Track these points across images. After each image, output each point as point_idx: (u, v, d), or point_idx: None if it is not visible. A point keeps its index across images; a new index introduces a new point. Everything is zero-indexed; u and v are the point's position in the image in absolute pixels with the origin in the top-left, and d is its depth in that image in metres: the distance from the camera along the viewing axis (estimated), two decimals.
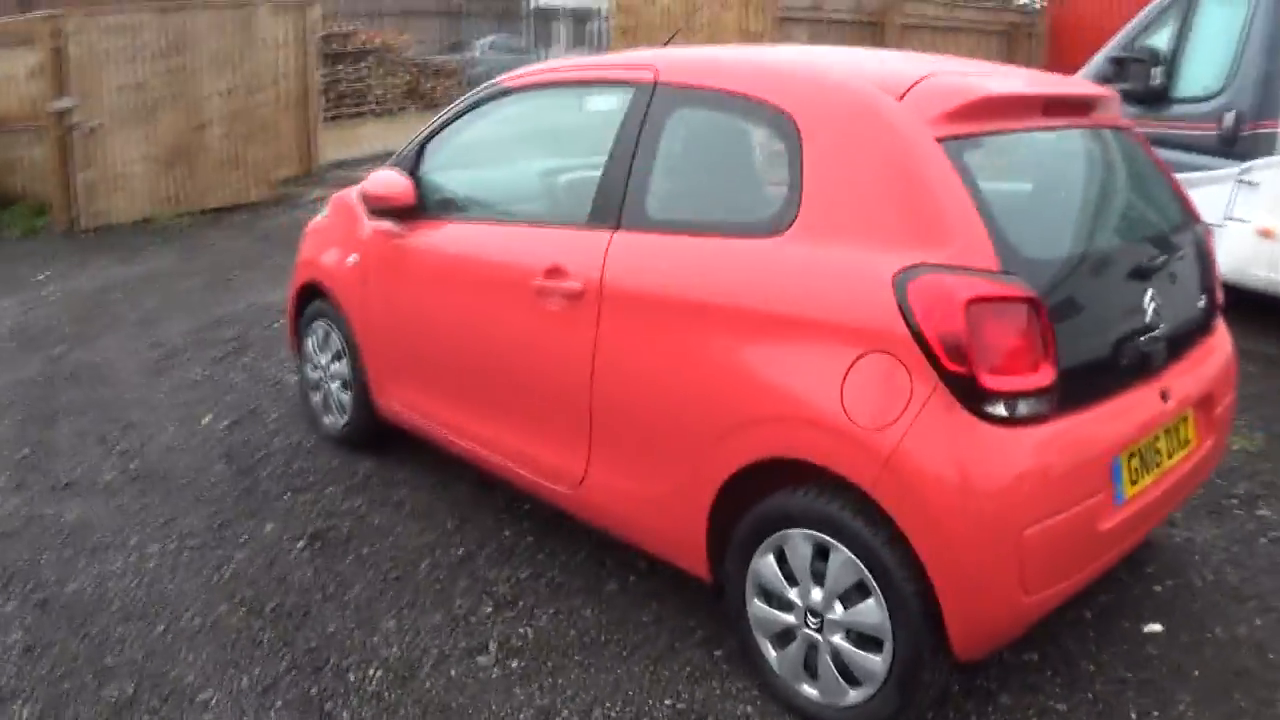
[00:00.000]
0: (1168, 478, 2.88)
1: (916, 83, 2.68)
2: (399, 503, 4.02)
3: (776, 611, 2.80)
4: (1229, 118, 6.08)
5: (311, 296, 4.48)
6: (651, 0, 8.88)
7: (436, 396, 3.81)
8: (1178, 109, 6.36)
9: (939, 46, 10.57)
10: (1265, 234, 5.85)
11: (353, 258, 4.10)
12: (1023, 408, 2.45)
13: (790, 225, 2.68)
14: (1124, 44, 6.70)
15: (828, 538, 2.63)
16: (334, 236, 4.32)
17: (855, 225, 2.60)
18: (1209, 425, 3.10)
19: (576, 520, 3.48)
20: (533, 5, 33.44)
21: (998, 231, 2.50)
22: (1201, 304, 3.12)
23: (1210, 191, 5.97)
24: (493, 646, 3.13)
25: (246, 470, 4.30)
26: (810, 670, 2.77)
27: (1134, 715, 2.87)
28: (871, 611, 2.59)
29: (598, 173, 3.18)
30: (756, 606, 2.84)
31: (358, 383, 4.23)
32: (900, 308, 2.45)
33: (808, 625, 2.73)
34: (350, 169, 11.78)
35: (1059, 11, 11.61)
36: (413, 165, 3.87)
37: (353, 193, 4.34)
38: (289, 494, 4.10)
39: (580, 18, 31.06)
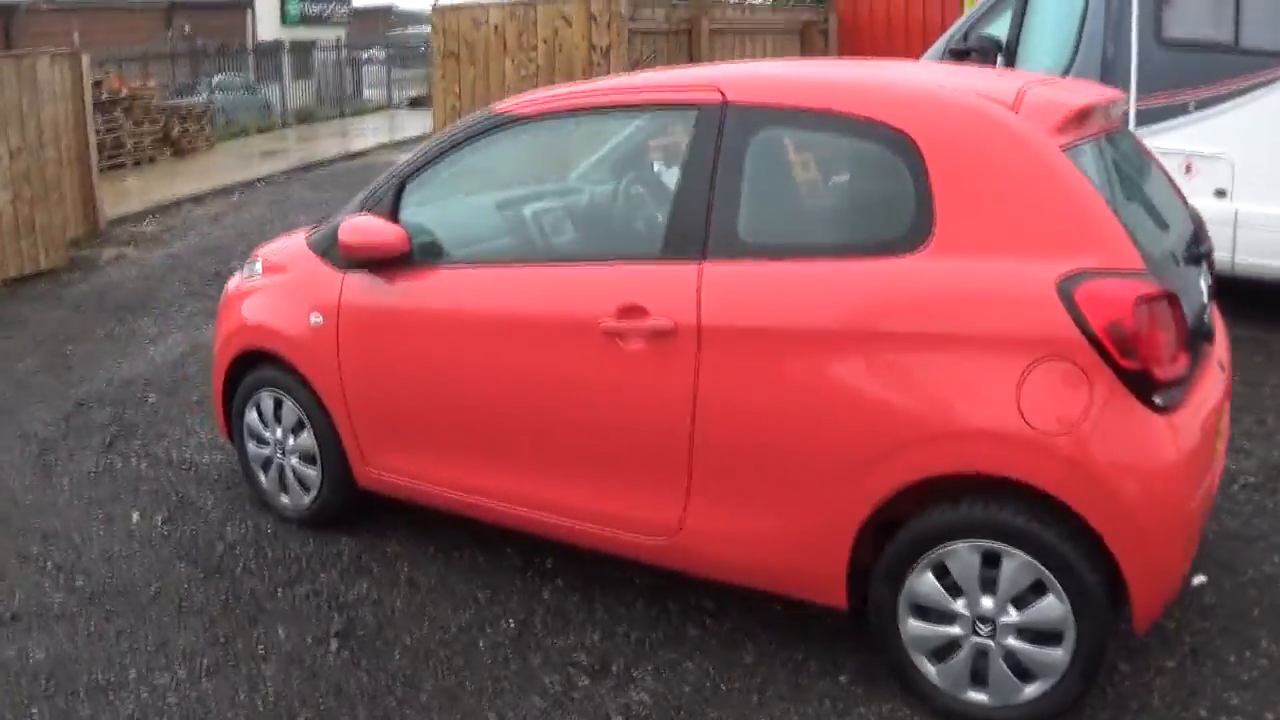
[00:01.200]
0: (1222, 440, 3.09)
1: (1020, 97, 2.74)
2: (410, 581, 3.64)
3: (937, 626, 2.74)
4: None
5: (248, 366, 3.99)
6: (477, 24, 8.57)
7: (455, 459, 3.47)
8: None
9: (744, 49, 10.91)
10: None
11: (316, 318, 3.66)
12: (1175, 395, 2.59)
13: (926, 243, 2.64)
14: (962, 35, 7.09)
15: (1000, 545, 2.60)
16: (282, 296, 3.85)
17: (998, 238, 2.61)
18: None
19: (610, 570, 3.38)
20: (255, 41, 32.12)
21: (1132, 233, 2.57)
22: (1211, 281, 3.35)
23: None
24: None
25: (216, 569, 3.75)
26: (978, 677, 2.72)
27: (1233, 658, 3.04)
28: (1052, 607, 2.59)
29: (654, 202, 3.00)
30: (912, 625, 2.77)
31: (330, 454, 3.79)
32: (1070, 313, 2.48)
33: (977, 633, 2.68)
34: (134, 223, 10.75)
35: (846, 8, 12.27)
36: (391, 208, 3.51)
37: (298, 244, 3.90)
38: (280, 589, 3.61)
39: (301, 49, 30.00)
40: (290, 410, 3.87)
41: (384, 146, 15.20)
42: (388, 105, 18.75)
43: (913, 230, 2.67)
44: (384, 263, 3.43)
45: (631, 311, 2.95)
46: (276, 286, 3.90)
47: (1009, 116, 2.69)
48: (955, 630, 2.71)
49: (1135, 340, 2.46)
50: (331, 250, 3.63)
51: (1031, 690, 2.68)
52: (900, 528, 2.73)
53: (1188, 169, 6.13)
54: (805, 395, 2.76)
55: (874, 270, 2.70)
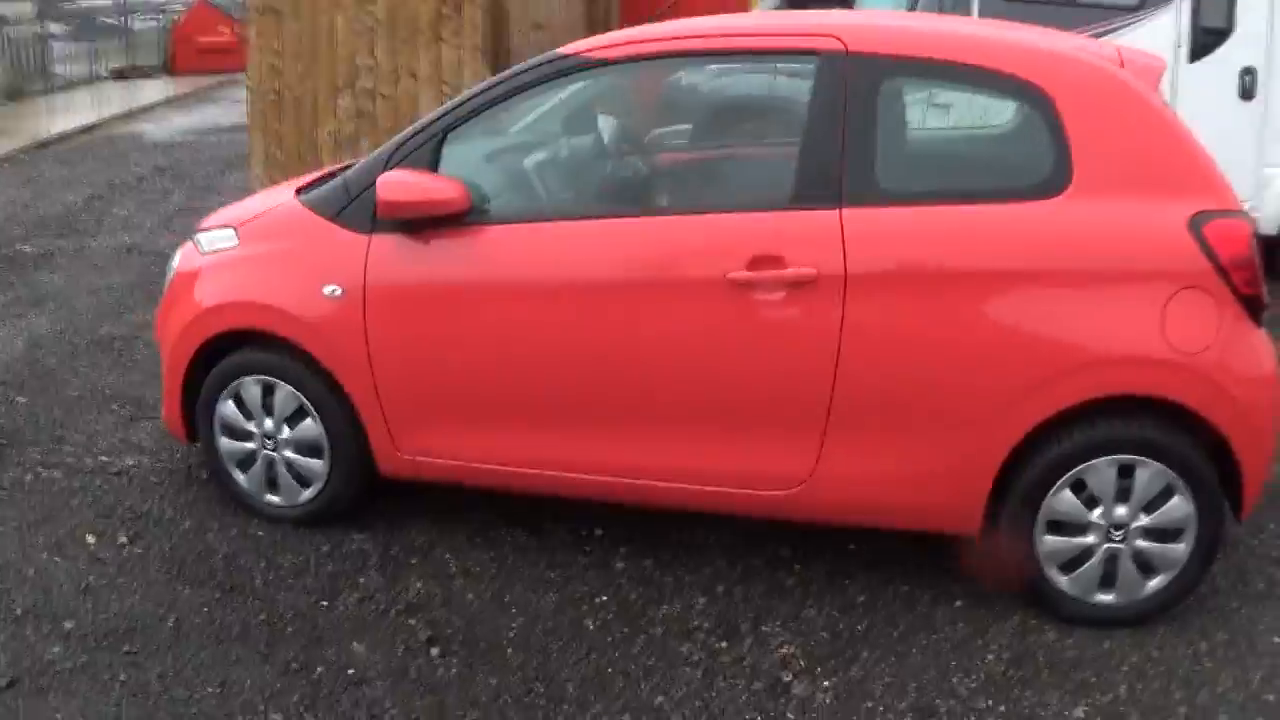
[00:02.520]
0: None
1: (1121, 57, 2.97)
2: (466, 571, 3.34)
3: (1072, 539, 2.95)
4: None
5: (219, 351, 3.46)
6: None
7: (520, 431, 3.23)
8: None
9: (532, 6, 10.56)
10: None
11: (332, 289, 3.23)
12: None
13: (1066, 188, 2.81)
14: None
15: (1137, 457, 2.85)
16: (276, 267, 3.36)
17: (1129, 183, 2.83)
18: None
19: (662, 531, 3.37)
20: None
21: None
22: None
23: None
24: (789, 678, 2.87)
25: (230, 588, 3.25)
26: (1106, 580, 2.98)
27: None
28: (1178, 508, 2.89)
29: (771, 149, 2.93)
30: (1048, 541, 2.96)
31: (343, 442, 3.39)
32: (1202, 248, 2.75)
33: (1111, 539, 2.93)
34: None
35: None
36: (430, 163, 3.16)
37: (289, 207, 3.42)
38: (323, 600, 3.20)
39: None
40: (286, 397, 3.40)
41: (118, 118, 13.56)
42: (91, 79, 16.80)
43: (1052, 177, 2.82)
44: (435, 221, 3.08)
45: (766, 261, 2.88)
46: (266, 256, 3.39)
47: (1126, 74, 2.90)
48: (1090, 540, 2.94)
49: (1251, 270, 2.79)
50: (349, 211, 3.21)
51: (1154, 584, 2.97)
52: (1033, 452, 2.89)
53: None
54: (957, 335, 2.84)
55: (1019, 213, 2.83)
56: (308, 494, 3.50)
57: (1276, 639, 3.01)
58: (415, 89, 6.52)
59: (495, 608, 3.17)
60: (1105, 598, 3.00)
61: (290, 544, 3.47)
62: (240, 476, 3.57)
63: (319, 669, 2.90)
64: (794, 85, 3.08)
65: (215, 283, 3.45)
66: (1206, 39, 6.28)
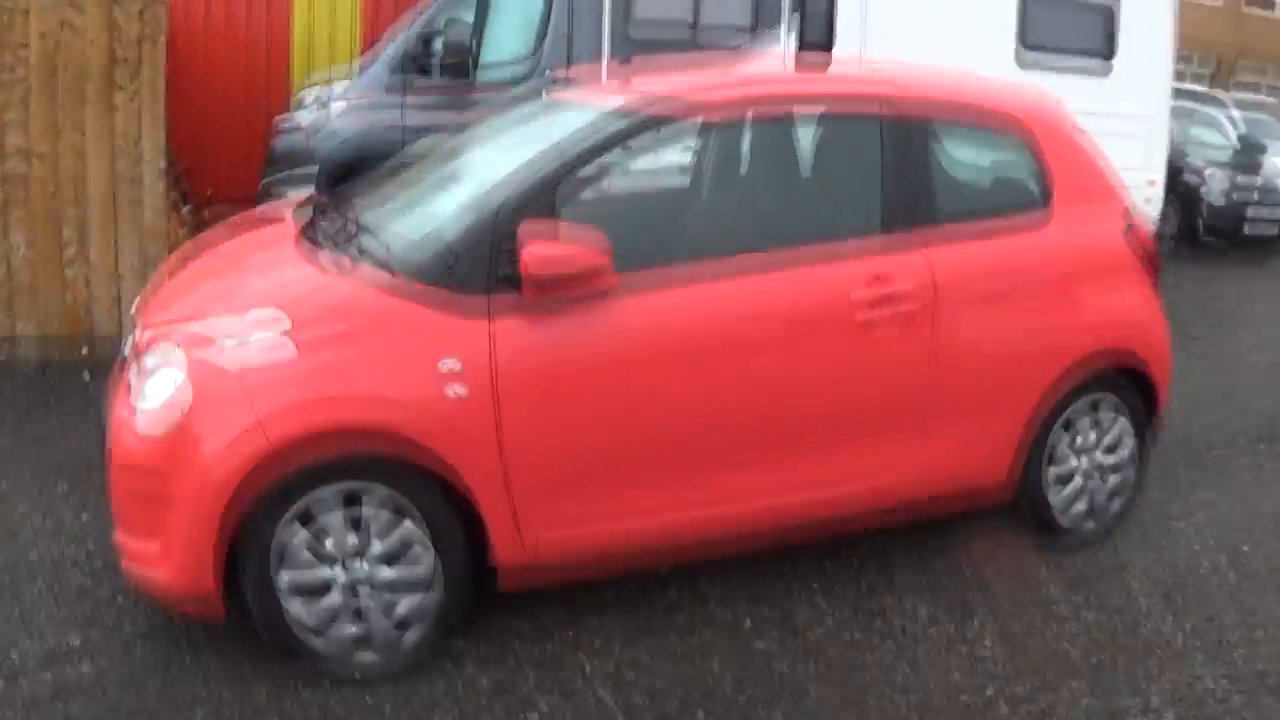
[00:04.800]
0: None
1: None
2: (597, 658, 3.14)
3: (1061, 466, 3.86)
4: (546, 78, 7.37)
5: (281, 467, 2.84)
6: None
7: (658, 489, 3.19)
8: (491, 74, 7.30)
9: None
10: None
11: (452, 364, 2.89)
12: None
13: (1051, 206, 3.70)
14: (428, 21, 7.29)
15: (1108, 394, 3.85)
16: (366, 355, 2.89)
17: (1087, 197, 3.78)
18: None
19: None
20: None
21: None
22: None
23: None
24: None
25: None
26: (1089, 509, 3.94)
27: None
28: (1123, 431, 3.94)
29: (850, 184, 3.45)
30: (1051, 471, 3.84)
31: (455, 545, 3.03)
32: (1131, 246, 3.88)
33: (1085, 468, 3.89)
34: None
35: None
36: (550, 216, 3.02)
37: (367, 281, 2.98)
38: None
39: None
40: (379, 509, 2.93)
41: None
42: None
43: (1040, 197, 3.70)
44: (581, 286, 2.97)
45: (878, 281, 3.31)
46: (347, 344, 2.89)
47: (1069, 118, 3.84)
48: (1075, 464, 3.86)
49: (1152, 253, 3.92)
50: (457, 283, 2.93)
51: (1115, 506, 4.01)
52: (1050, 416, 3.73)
53: None
54: (1006, 318, 3.56)
55: (1024, 223, 3.66)
56: (403, 618, 3.02)
57: None
58: (82, 144, 5.47)
59: (676, 681, 3.09)
60: (1084, 512, 3.95)
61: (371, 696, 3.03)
62: (317, 643, 2.97)
63: None
64: (855, 129, 3.50)
65: (276, 382, 2.83)
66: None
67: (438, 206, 3.24)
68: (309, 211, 3.68)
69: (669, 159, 3.57)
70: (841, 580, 3.63)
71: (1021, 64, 7.73)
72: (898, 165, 3.42)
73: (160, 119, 5.52)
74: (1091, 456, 3.87)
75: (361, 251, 3.12)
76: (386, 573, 2.97)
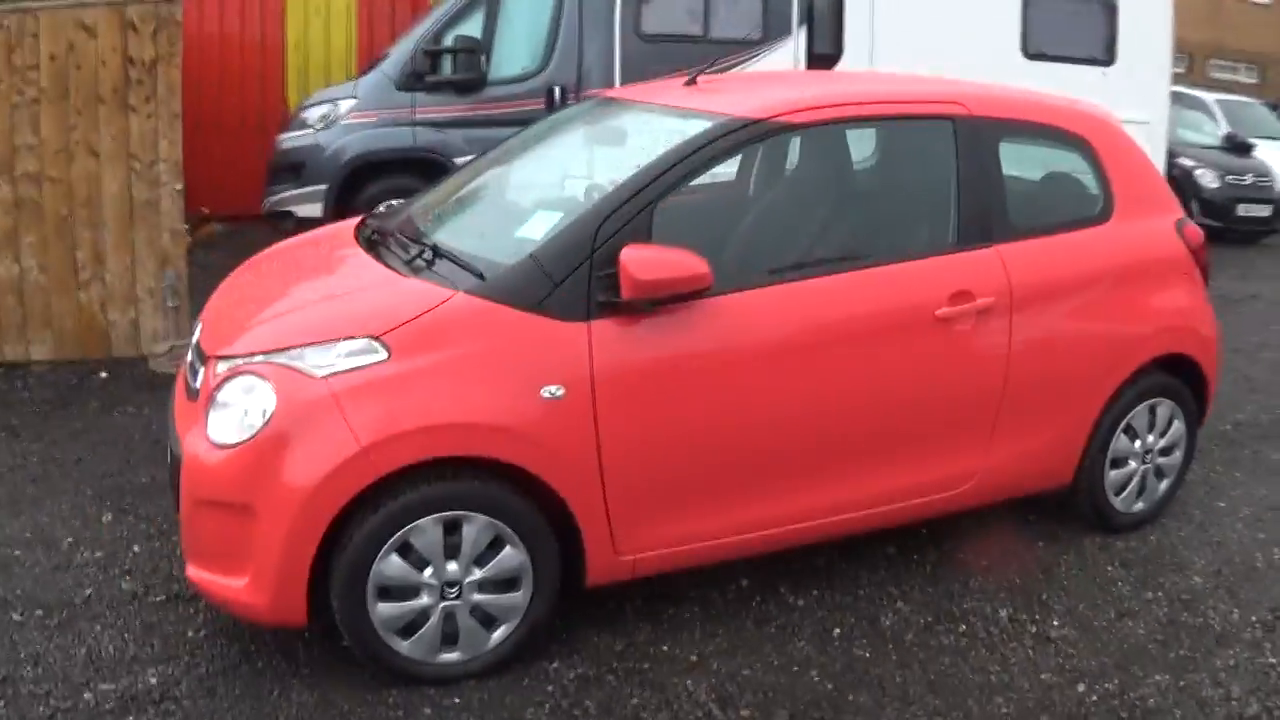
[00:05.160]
0: None
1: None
2: (703, 660, 3.15)
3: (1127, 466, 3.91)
4: (556, 93, 7.36)
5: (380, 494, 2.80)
6: None
7: (750, 496, 3.22)
8: (499, 90, 7.26)
9: None
10: None
11: (553, 389, 2.88)
12: None
13: (1113, 214, 3.75)
14: (433, 36, 7.23)
15: (1163, 399, 3.90)
16: (469, 375, 2.84)
17: (1146, 206, 3.85)
18: None
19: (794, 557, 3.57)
20: None
21: None
22: None
23: None
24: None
25: None
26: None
27: None
28: (1176, 424, 3.99)
29: (924, 199, 3.48)
30: (1111, 475, 3.89)
31: (549, 562, 3.00)
32: (1184, 244, 3.93)
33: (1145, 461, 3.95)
34: None
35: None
36: (646, 233, 3.00)
37: (464, 302, 2.92)
38: None
39: None
40: (478, 530, 2.89)
41: None
42: None
43: (1105, 208, 3.77)
44: (678, 299, 2.95)
45: (961, 296, 3.34)
46: (451, 365, 2.84)
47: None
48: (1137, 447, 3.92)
49: (1204, 255, 3.97)
50: (555, 298, 2.90)
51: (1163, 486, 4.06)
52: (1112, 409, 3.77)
53: None
54: (1077, 327, 3.60)
55: (1096, 235, 3.70)
56: (498, 635, 3.01)
57: None
58: (97, 168, 5.37)
59: (778, 673, 3.11)
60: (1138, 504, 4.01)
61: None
62: (403, 645, 2.94)
63: None
64: (926, 142, 3.51)
65: (375, 409, 2.77)
66: (820, 64, 7.65)
67: (529, 227, 3.19)
68: (376, 231, 3.61)
69: (763, 172, 3.54)
70: (918, 583, 3.64)
71: (1024, 71, 7.82)
72: (972, 180, 3.46)
73: (177, 141, 5.44)
74: (1150, 454, 3.94)
75: (448, 274, 3.05)
76: (480, 596, 2.95)
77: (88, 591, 3.45)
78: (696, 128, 3.21)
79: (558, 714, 2.92)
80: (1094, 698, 3.07)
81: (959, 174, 3.44)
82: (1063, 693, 3.09)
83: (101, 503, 4.06)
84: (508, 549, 2.93)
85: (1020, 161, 3.64)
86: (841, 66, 7.71)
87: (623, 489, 3.00)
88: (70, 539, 3.78)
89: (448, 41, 7.20)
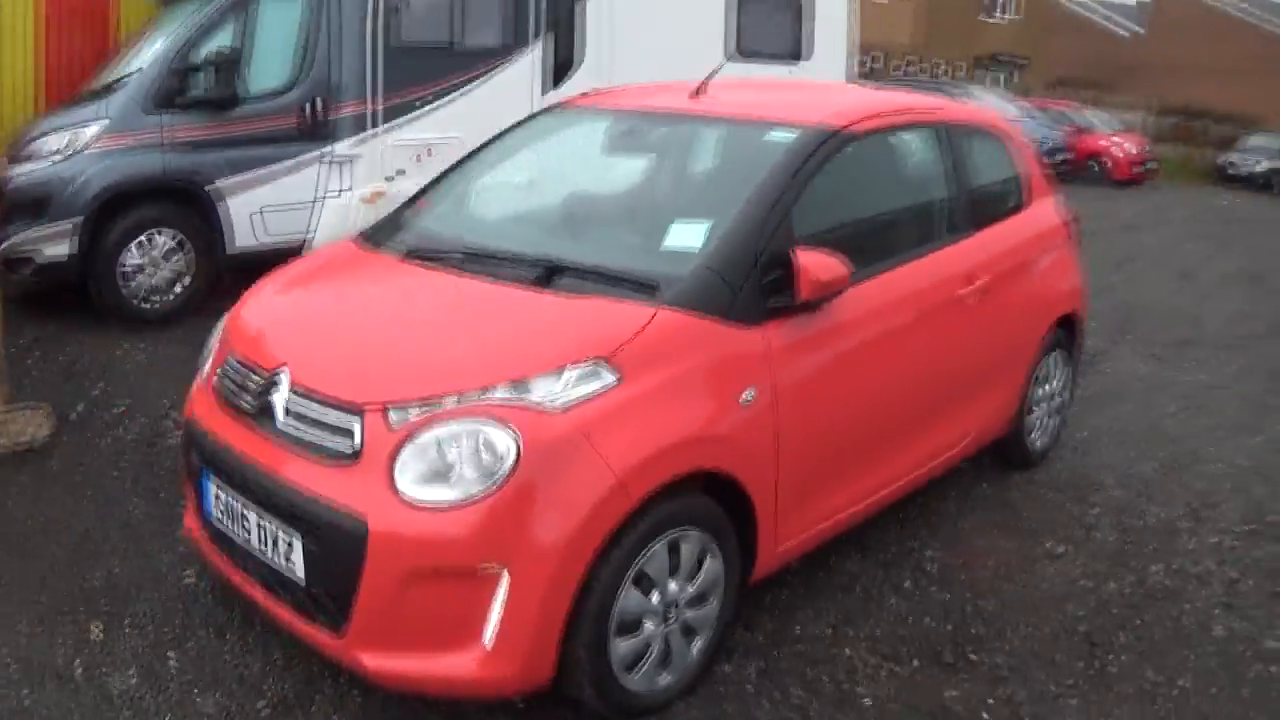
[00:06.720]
0: None
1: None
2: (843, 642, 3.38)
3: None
4: (312, 106, 6.92)
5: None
6: None
7: (860, 471, 3.52)
8: (251, 108, 6.70)
9: None
10: (376, 195, 7.21)
11: (748, 394, 2.97)
12: None
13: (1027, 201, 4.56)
14: (182, 54, 6.45)
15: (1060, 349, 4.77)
16: (689, 391, 2.85)
17: (1043, 190, 4.70)
18: None
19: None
20: None
21: None
22: None
23: (300, 176, 6.97)
24: None
25: None
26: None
27: None
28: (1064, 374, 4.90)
29: (925, 200, 3.99)
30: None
31: (736, 567, 3.08)
32: (1067, 227, 4.81)
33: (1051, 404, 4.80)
34: None
35: None
36: (792, 239, 3.16)
37: (669, 316, 2.90)
38: None
39: None
40: (694, 545, 2.90)
41: None
42: None
43: (1022, 195, 4.50)
44: (833, 296, 3.18)
45: (971, 277, 3.90)
46: (672, 381, 2.81)
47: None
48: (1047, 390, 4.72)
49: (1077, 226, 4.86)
50: (738, 305, 3.00)
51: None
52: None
53: (426, 154, 7.39)
54: (1021, 294, 4.29)
55: (1028, 218, 4.44)
56: (697, 648, 3.03)
57: None
58: None
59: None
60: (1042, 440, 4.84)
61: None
62: (631, 681, 2.85)
63: None
64: (918, 144, 3.99)
65: (621, 436, 2.65)
66: (561, 70, 8.02)
67: (678, 237, 3.20)
68: (419, 247, 3.43)
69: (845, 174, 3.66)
70: (937, 531, 4.17)
71: (736, 68, 8.77)
72: (956, 178, 4.04)
73: None
74: (1054, 397, 4.79)
75: (599, 289, 3.00)
76: (690, 612, 2.97)
77: None
78: (786, 137, 3.44)
79: (778, 705, 3.05)
80: (1127, 590, 3.80)
81: (948, 172, 4.01)
82: (1099, 592, 3.77)
83: (72, 615, 3.35)
84: (709, 560, 2.98)
85: (979, 156, 4.29)
86: (582, 71, 8.15)
87: (789, 481, 3.17)
88: (80, 667, 3.10)
89: (198, 58, 6.49)
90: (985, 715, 3.08)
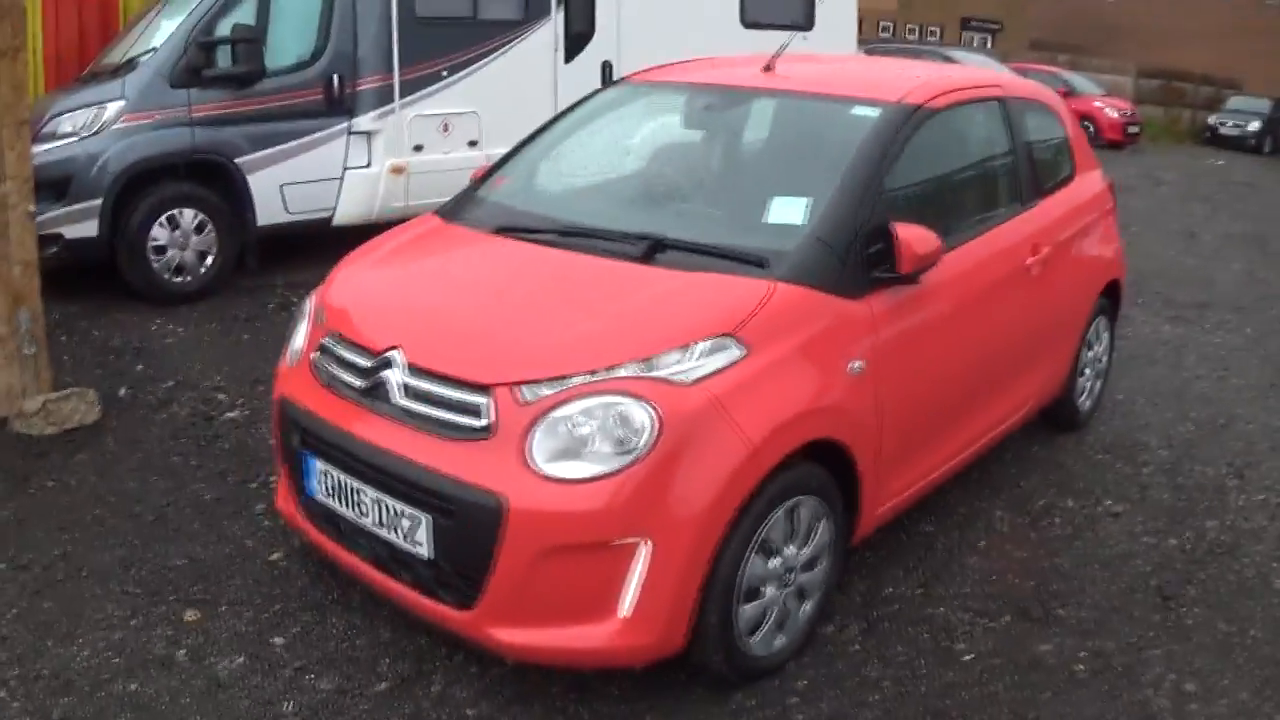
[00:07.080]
0: None
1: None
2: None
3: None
4: (336, 80, 6.88)
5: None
6: None
7: (945, 434, 3.61)
8: (274, 82, 6.66)
9: None
10: (397, 170, 7.20)
11: (856, 364, 3.04)
12: None
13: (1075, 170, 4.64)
14: (204, 28, 6.37)
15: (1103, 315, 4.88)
16: (809, 362, 2.94)
17: (1091, 163, 4.81)
18: None
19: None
20: None
21: None
22: None
23: (324, 150, 6.94)
24: None
25: None
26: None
27: None
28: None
29: (994, 172, 4.06)
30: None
31: (843, 533, 3.17)
32: (1111, 194, 4.93)
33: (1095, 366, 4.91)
34: None
35: None
36: (887, 213, 3.23)
37: (790, 290, 2.97)
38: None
39: None
40: (810, 511, 2.98)
41: None
42: None
43: (1071, 165, 4.59)
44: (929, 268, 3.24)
45: (1036, 247, 3.99)
46: (794, 353, 2.89)
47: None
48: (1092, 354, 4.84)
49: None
50: (845, 278, 3.08)
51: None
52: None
53: (445, 128, 7.38)
54: (1081, 257, 4.42)
55: (1080, 183, 4.56)
56: (806, 611, 3.12)
57: None
58: None
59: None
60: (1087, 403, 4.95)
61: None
62: (752, 645, 2.94)
63: None
64: (985, 119, 4.04)
65: (754, 406, 2.72)
66: (576, 42, 8.02)
67: (779, 212, 3.26)
68: (511, 224, 3.46)
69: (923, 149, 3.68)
70: (1001, 491, 4.28)
71: (743, 38, 8.81)
72: (1019, 150, 4.12)
73: (27, 155, 4.42)
74: (1099, 360, 4.90)
75: (705, 264, 3.05)
76: (804, 576, 3.05)
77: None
78: (871, 113, 3.50)
79: (888, 664, 3.15)
80: (1188, 546, 3.92)
81: (1011, 144, 4.09)
82: (1161, 548, 3.90)
83: (162, 600, 3.37)
84: (821, 523, 3.06)
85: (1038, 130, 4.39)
86: (594, 43, 8.15)
87: (888, 447, 3.24)
88: (183, 652, 3.10)
89: (222, 32, 6.42)
90: (1080, 667, 3.19)
